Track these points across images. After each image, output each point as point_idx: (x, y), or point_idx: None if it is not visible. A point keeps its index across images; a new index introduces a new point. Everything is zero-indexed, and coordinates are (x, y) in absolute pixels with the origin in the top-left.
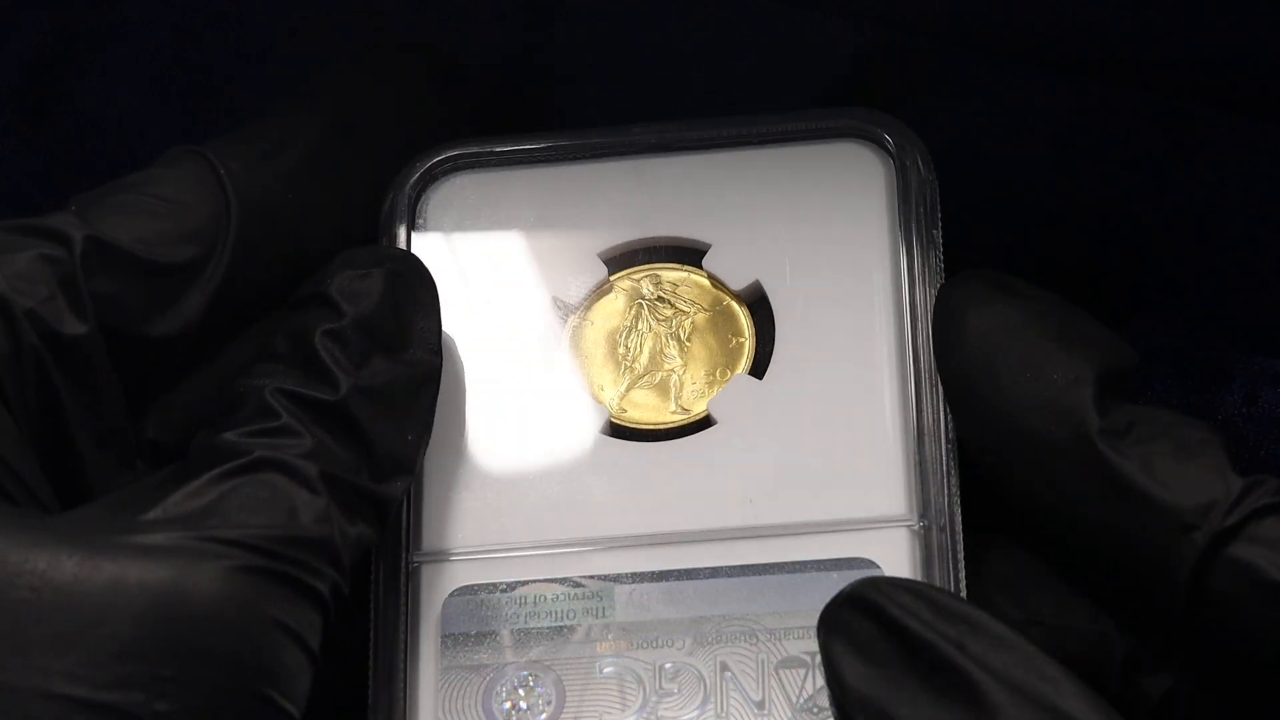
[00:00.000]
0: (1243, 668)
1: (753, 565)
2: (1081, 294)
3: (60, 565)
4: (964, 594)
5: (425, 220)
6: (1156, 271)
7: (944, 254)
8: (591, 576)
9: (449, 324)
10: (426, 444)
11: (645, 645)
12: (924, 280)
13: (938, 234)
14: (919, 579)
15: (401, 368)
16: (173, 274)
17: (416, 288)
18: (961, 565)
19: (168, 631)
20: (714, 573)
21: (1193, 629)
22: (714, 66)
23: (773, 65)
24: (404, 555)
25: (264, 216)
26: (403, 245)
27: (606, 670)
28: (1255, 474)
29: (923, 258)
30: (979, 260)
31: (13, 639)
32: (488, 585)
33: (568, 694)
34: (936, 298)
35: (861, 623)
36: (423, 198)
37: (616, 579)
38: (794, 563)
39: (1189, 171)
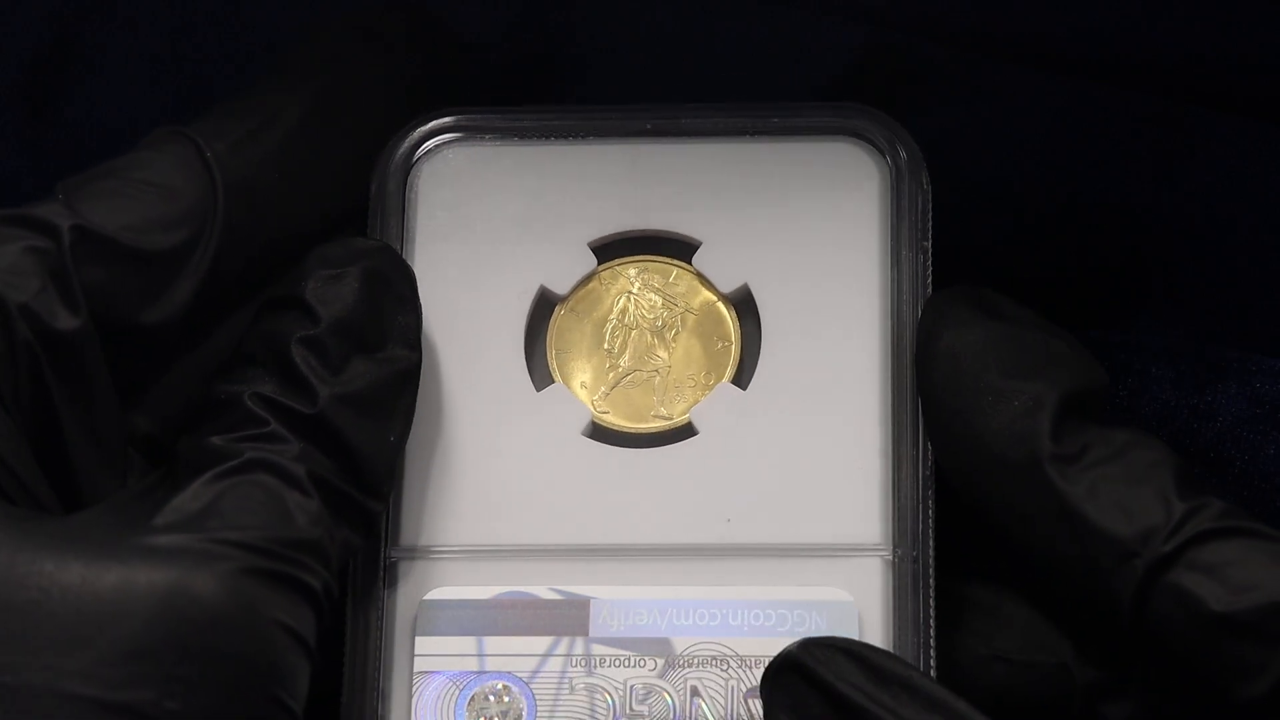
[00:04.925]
0: (1188, 694)
1: (727, 590)
2: (1081, 294)
3: (68, 567)
4: (933, 624)
5: (415, 196)
6: (1156, 271)
7: (943, 255)
8: (568, 589)
9: (430, 308)
10: (406, 439)
11: (617, 664)
12: (912, 294)
13: (928, 245)
14: (891, 610)
15: (381, 367)
16: (161, 261)
17: (394, 282)
18: (933, 594)
19: (178, 632)
20: (689, 594)
21: (1140, 654)
22: (710, 66)
23: (770, 65)
24: (382, 550)
25: (251, 198)
26: (393, 221)
27: (578, 687)
28: (1233, 490)
29: (911, 270)
30: (978, 261)
31: (25, 641)
32: (466, 589)
33: (539, 708)
34: (920, 313)
35: (799, 686)
36: (412, 171)
37: (593, 593)
38: (768, 594)
39: (1189, 171)
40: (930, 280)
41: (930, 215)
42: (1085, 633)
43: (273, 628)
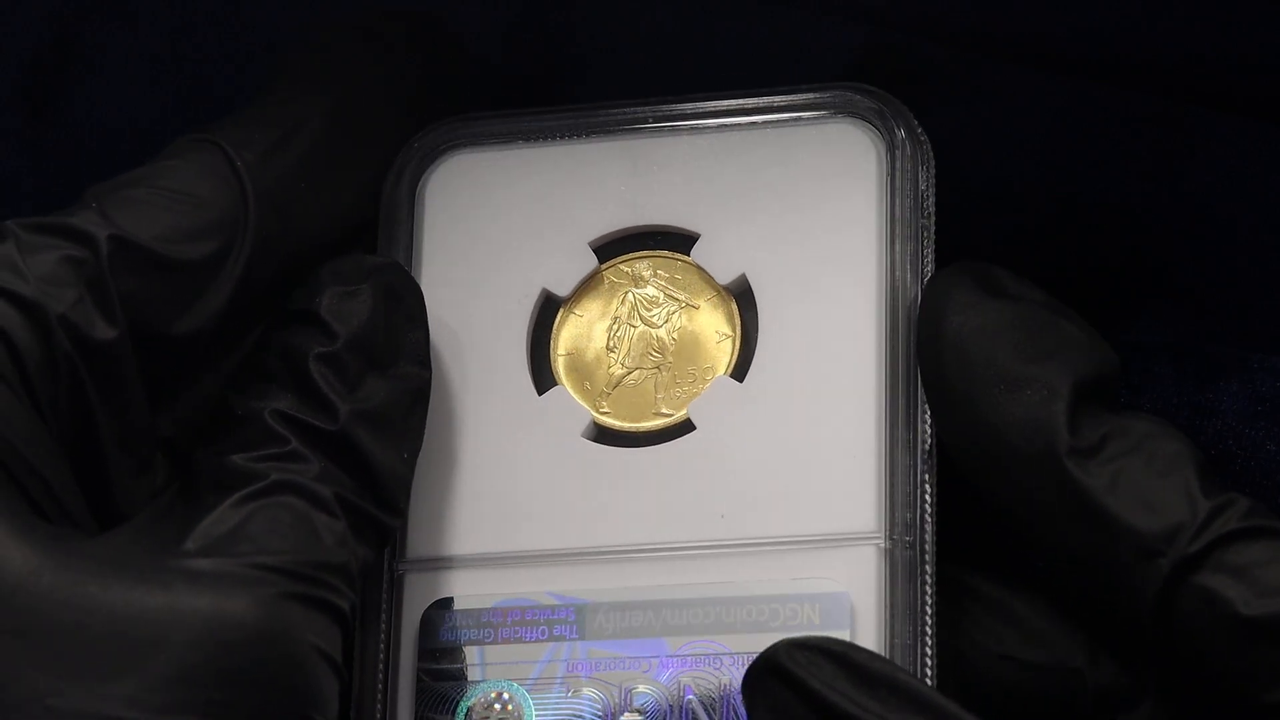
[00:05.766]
0: (1208, 693)
1: (720, 589)
2: (1081, 294)
3: (110, 590)
4: (931, 613)
5: (421, 206)
6: (1156, 271)
7: (944, 256)
8: (566, 593)
9: (436, 318)
10: (418, 456)
11: (614, 666)
12: (911, 277)
13: (930, 223)
14: (885, 597)
15: (394, 384)
16: (194, 270)
17: (404, 299)
18: (930, 582)
19: (218, 656)
20: (684, 593)
21: (1159, 653)
22: (710, 66)
23: (770, 65)
24: (387, 563)
25: (279, 208)
26: (401, 231)
27: (575, 690)
28: (1234, 487)
29: (911, 252)
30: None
31: (70, 664)
32: (465, 599)
33: (538, 713)
34: (922, 294)
35: (781, 691)
36: (420, 183)
37: (590, 596)
38: (760, 588)
39: (1189, 171)
40: (933, 255)
41: (933, 189)
42: (1100, 634)
43: (307, 651)
